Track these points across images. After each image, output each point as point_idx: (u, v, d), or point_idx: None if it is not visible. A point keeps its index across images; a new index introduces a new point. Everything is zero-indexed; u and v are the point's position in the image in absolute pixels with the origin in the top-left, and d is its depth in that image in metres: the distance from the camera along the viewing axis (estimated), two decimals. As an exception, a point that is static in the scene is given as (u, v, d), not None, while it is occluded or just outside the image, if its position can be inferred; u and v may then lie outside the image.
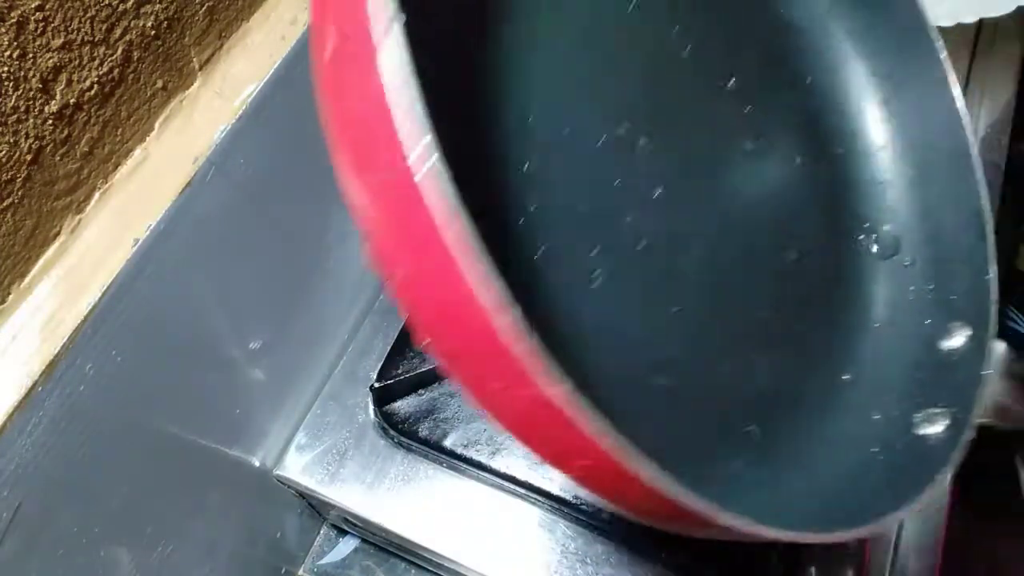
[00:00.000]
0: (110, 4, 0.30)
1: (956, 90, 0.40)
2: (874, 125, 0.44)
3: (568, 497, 0.46)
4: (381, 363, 0.51)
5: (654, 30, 0.38)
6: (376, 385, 0.50)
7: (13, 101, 0.28)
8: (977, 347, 0.36)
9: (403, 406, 0.51)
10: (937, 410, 0.37)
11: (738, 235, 0.39)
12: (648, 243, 0.35)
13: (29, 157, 0.29)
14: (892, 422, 0.38)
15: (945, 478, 0.32)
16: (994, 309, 0.37)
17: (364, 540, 0.56)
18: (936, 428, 0.37)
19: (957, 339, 0.38)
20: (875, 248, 0.42)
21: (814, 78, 0.44)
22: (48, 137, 0.30)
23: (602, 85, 0.35)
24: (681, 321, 0.36)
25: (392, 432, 0.50)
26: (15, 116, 0.28)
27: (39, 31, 0.28)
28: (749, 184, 0.40)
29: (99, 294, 0.31)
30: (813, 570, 0.46)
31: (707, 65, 0.39)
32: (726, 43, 0.40)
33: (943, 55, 0.40)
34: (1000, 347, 0.37)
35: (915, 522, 0.47)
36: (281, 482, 0.49)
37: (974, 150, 0.39)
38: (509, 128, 0.31)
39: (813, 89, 0.43)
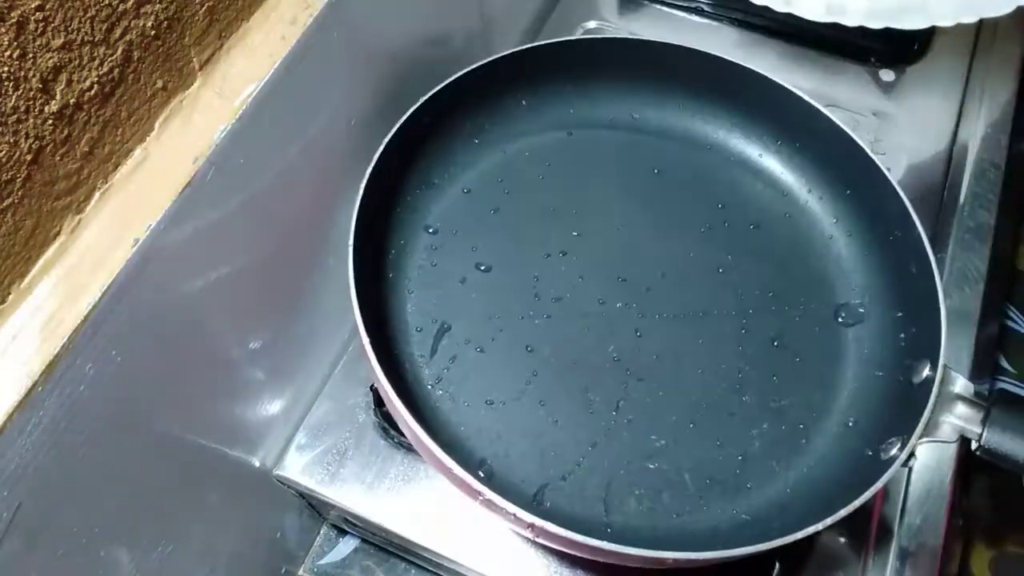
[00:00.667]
0: (110, 4, 0.30)
1: (883, 169, 0.45)
2: (822, 210, 0.51)
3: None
4: (381, 363, 0.51)
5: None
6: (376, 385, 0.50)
7: (13, 101, 0.28)
8: (933, 379, 0.39)
9: (403, 406, 0.51)
10: (896, 438, 0.40)
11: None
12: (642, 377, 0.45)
13: (29, 157, 0.29)
14: (875, 454, 0.40)
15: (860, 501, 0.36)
16: (944, 341, 0.40)
17: (364, 540, 0.55)
18: (893, 452, 0.39)
19: (925, 373, 0.41)
20: (843, 316, 0.47)
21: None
22: (48, 137, 0.30)
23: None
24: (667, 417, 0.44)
25: (392, 432, 0.50)
26: (15, 116, 0.28)
27: (39, 31, 0.28)
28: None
29: (99, 294, 0.31)
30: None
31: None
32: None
33: (872, 155, 0.46)
34: (959, 379, 0.39)
35: (915, 520, 0.47)
36: (281, 482, 0.49)
37: (912, 210, 0.44)
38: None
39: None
